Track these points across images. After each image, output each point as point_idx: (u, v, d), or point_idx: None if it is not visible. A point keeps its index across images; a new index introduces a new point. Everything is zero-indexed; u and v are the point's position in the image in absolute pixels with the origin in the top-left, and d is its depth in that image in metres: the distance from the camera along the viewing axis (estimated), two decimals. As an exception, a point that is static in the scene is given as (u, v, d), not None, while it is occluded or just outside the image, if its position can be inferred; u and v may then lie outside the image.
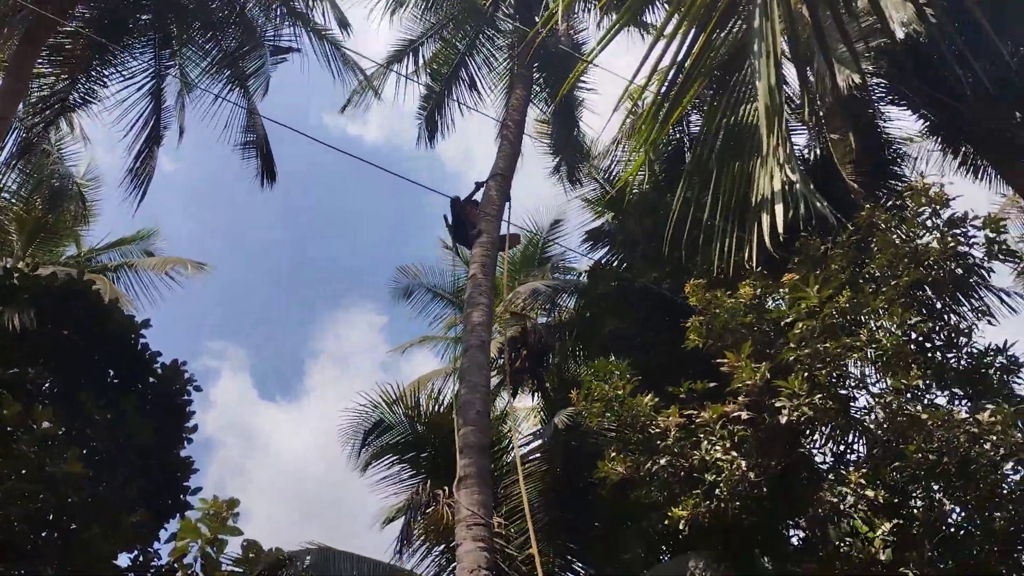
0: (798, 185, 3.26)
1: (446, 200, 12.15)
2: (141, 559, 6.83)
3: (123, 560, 6.84)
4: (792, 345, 8.12)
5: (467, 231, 11.81)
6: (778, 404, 7.95)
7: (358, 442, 12.37)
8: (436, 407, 12.75)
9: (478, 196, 12.42)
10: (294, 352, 46.75)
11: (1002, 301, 10.05)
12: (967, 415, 7.97)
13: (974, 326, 9.42)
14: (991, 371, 8.85)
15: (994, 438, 7.75)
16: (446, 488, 10.33)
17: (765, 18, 3.36)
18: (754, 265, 3.40)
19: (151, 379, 8.33)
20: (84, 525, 5.99)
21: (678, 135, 14.73)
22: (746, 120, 3.77)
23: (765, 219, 3.32)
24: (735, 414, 8.23)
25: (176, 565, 8.02)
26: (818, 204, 3.35)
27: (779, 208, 3.28)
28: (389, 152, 48.13)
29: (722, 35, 3.78)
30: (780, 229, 3.28)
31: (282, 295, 46.62)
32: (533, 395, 16.98)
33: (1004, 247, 9.35)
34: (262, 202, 45.33)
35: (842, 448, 9.08)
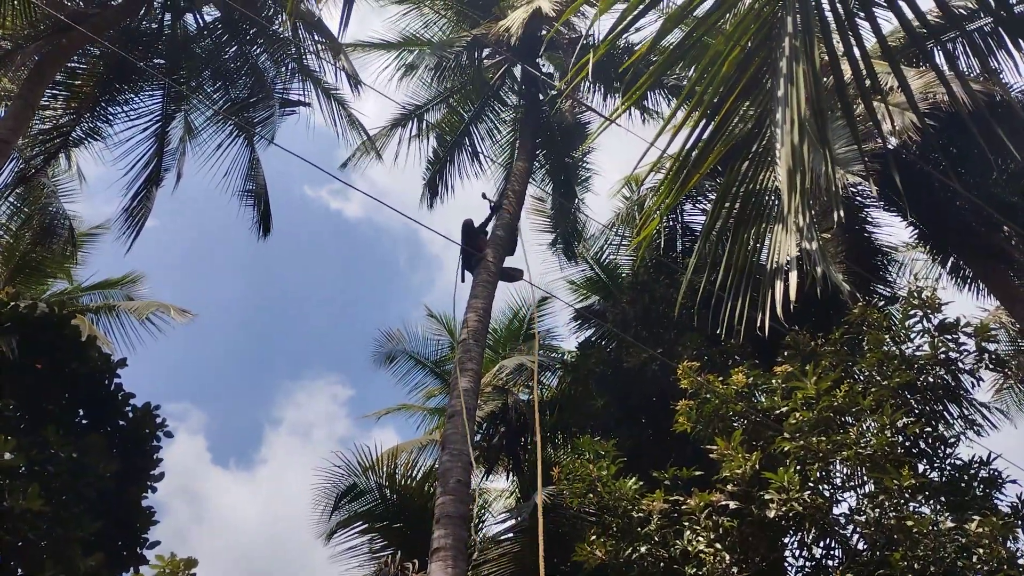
0: (816, 253, 3.22)
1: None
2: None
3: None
4: (787, 435, 7.98)
5: (473, 258, 11.84)
6: (767, 497, 7.76)
7: (330, 505, 11.94)
8: (410, 479, 12.39)
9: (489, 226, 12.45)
10: (254, 418, 45.63)
11: (984, 416, 10.03)
12: (954, 525, 7.80)
13: (962, 435, 9.38)
14: (975, 483, 8.76)
15: (981, 551, 7.58)
16: (415, 562, 9.93)
17: (791, 85, 3.38)
18: (766, 332, 3.31)
19: (120, 421, 8.05)
20: (38, 566, 5.64)
21: (671, 223, 14.94)
22: (764, 186, 3.78)
23: (779, 286, 3.27)
24: (721, 504, 8.01)
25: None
26: (834, 275, 3.31)
27: (793, 276, 3.24)
28: (368, 229, 48.38)
29: (744, 104, 3.81)
30: (793, 297, 3.23)
31: (250, 359, 45.88)
32: (508, 475, 16.56)
33: (993, 356, 9.40)
34: (237, 266, 44.73)
35: (824, 550, 8.85)
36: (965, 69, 12.66)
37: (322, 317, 45.72)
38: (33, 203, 13.68)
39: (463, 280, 11.98)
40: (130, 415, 8.08)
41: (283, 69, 13.40)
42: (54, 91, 12.37)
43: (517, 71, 15.62)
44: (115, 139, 12.95)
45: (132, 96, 12.79)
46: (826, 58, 3.55)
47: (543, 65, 15.68)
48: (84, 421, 7.94)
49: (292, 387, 45.16)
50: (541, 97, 15.32)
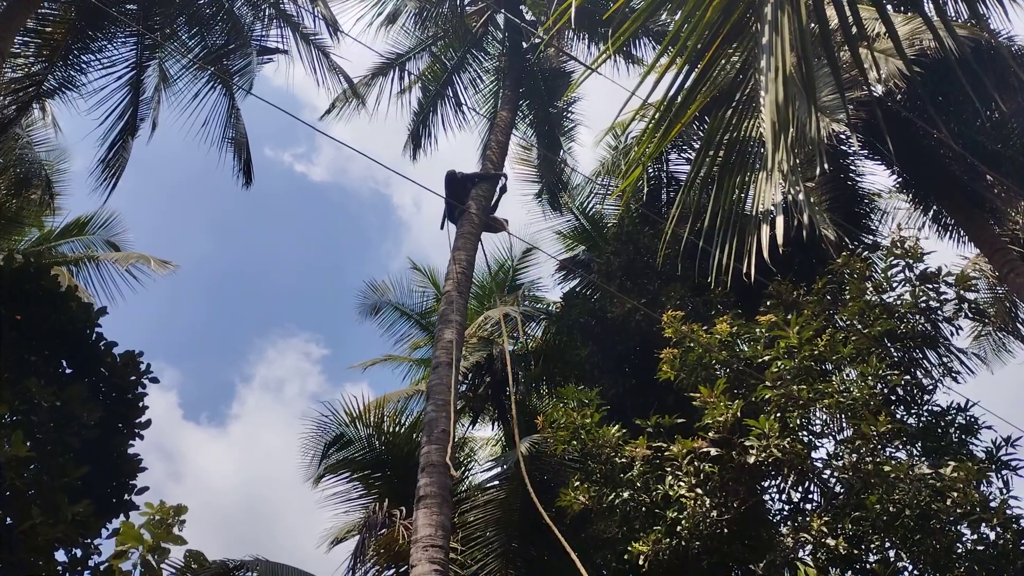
0: (802, 201, 3.22)
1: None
2: (80, 554, 6.47)
3: (59, 556, 6.48)
4: (768, 383, 8.08)
5: (456, 209, 11.63)
6: (747, 443, 7.89)
7: (316, 453, 12.06)
8: (399, 425, 12.51)
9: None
10: (225, 375, 45.44)
11: (961, 363, 10.18)
12: (930, 470, 7.97)
13: (939, 383, 9.53)
14: (951, 429, 8.92)
15: (955, 494, 7.76)
16: (403, 509, 10.07)
17: (775, 33, 3.33)
18: (751, 277, 3.32)
19: (103, 369, 8.00)
20: (25, 513, 5.66)
21: (656, 172, 14.86)
22: (749, 135, 3.75)
23: (764, 231, 3.27)
24: (703, 450, 8.14)
25: (114, 569, 7.65)
26: (820, 219, 3.32)
27: (780, 220, 3.24)
28: (334, 192, 47.73)
29: (729, 51, 3.76)
30: (780, 241, 3.23)
31: (218, 317, 45.65)
32: (493, 424, 16.74)
33: (973, 306, 9.51)
34: (204, 224, 44.07)
35: (803, 494, 9.04)
36: (952, 14, 12.53)
37: (290, 275, 45.57)
38: (8, 154, 13.41)
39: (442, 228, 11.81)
40: (112, 362, 8.02)
41: (260, 15, 13.04)
42: (25, 38, 12.01)
43: (500, 19, 15.33)
44: (89, 88, 12.67)
45: (105, 44, 12.42)
46: (811, 2, 3.50)
47: (526, 12, 15.38)
48: (68, 371, 7.89)
49: (263, 344, 45.11)
50: (524, 45, 15.06)
